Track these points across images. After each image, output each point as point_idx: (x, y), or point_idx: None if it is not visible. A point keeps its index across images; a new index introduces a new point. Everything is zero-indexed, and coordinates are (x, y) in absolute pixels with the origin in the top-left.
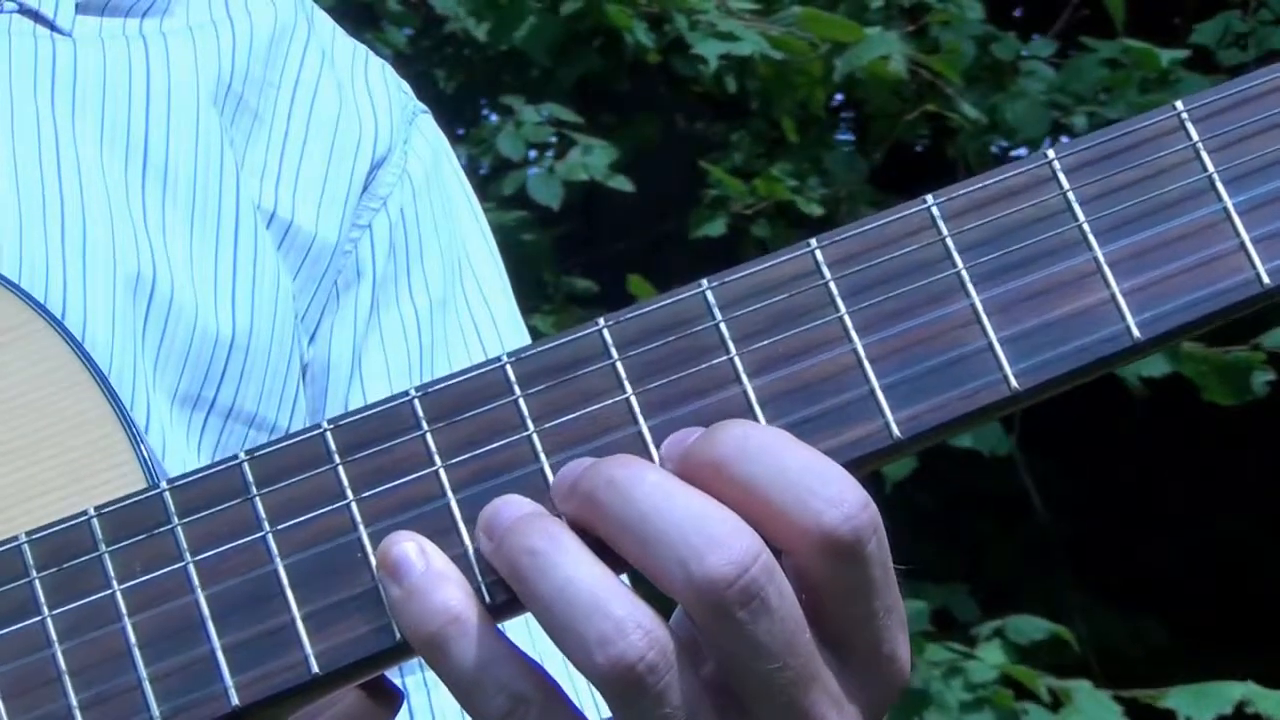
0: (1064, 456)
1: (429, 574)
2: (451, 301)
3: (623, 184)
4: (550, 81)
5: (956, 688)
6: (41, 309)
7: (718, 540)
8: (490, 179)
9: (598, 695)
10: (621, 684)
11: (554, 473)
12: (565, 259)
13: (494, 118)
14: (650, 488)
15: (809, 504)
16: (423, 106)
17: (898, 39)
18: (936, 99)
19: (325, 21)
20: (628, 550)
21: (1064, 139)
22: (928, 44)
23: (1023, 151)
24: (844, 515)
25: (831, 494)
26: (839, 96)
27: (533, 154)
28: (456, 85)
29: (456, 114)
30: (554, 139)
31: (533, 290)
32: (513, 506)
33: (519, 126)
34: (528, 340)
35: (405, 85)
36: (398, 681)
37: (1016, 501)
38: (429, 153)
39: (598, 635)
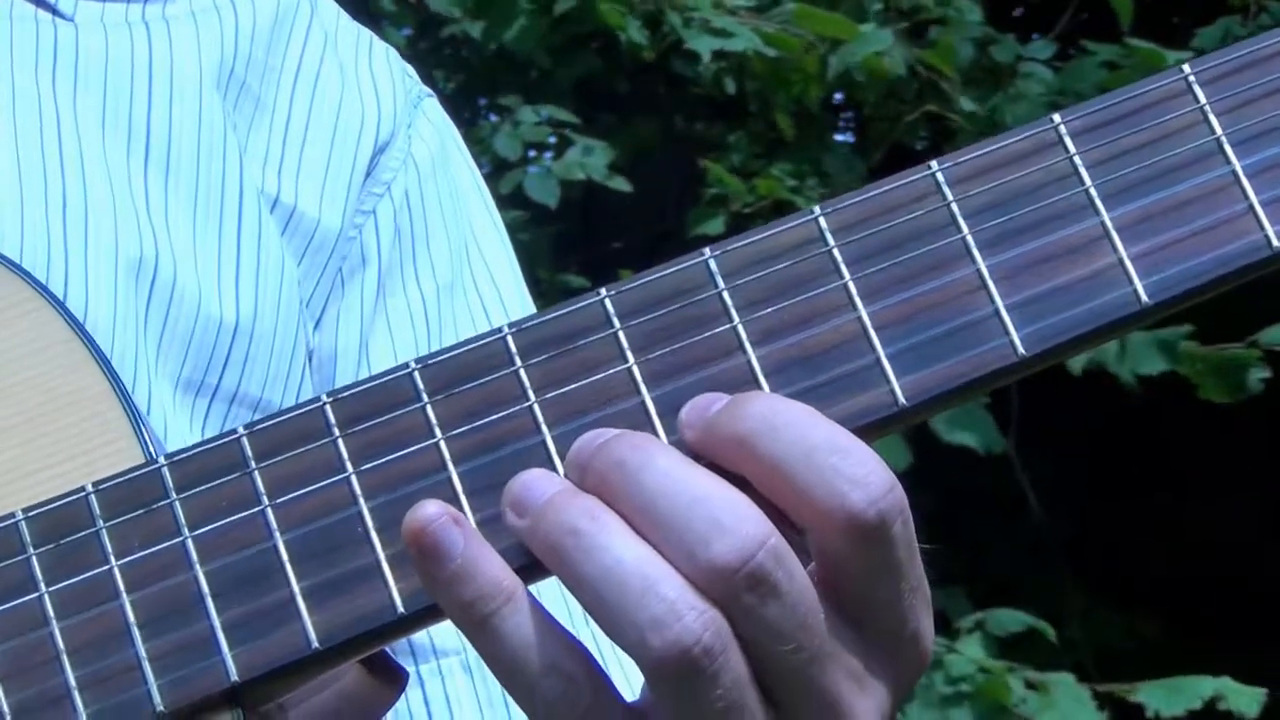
0: (1061, 454)
1: (472, 548)
2: (459, 285)
3: (621, 184)
4: (549, 82)
5: (939, 681)
6: (43, 289)
7: (724, 526)
8: (488, 179)
9: (625, 668)
10: (676, 668)
11: (555, 444)
12: (562, 258)
13: (494, 118)
14: (658, 472)
15: (834, 485)
16: (427, 90)
17: (893, 35)
18: (936, 99)
19: (329, 5)
20: (641, 534)
21: None
22: (924, 45)
23: None
24: (869, 498)
25: (857, 475)
26: (838, 96)
27: (531, 154)
28: (455, 86)
29: (455, 115)
30: (552, 140)
31: (528, 289)
32: (543, 482)
33: (516, 126)
34: None
35: (410, 69)
36: (410, 669)
37: (1014, 501)
38: (434, 136)
39: (651, 618)
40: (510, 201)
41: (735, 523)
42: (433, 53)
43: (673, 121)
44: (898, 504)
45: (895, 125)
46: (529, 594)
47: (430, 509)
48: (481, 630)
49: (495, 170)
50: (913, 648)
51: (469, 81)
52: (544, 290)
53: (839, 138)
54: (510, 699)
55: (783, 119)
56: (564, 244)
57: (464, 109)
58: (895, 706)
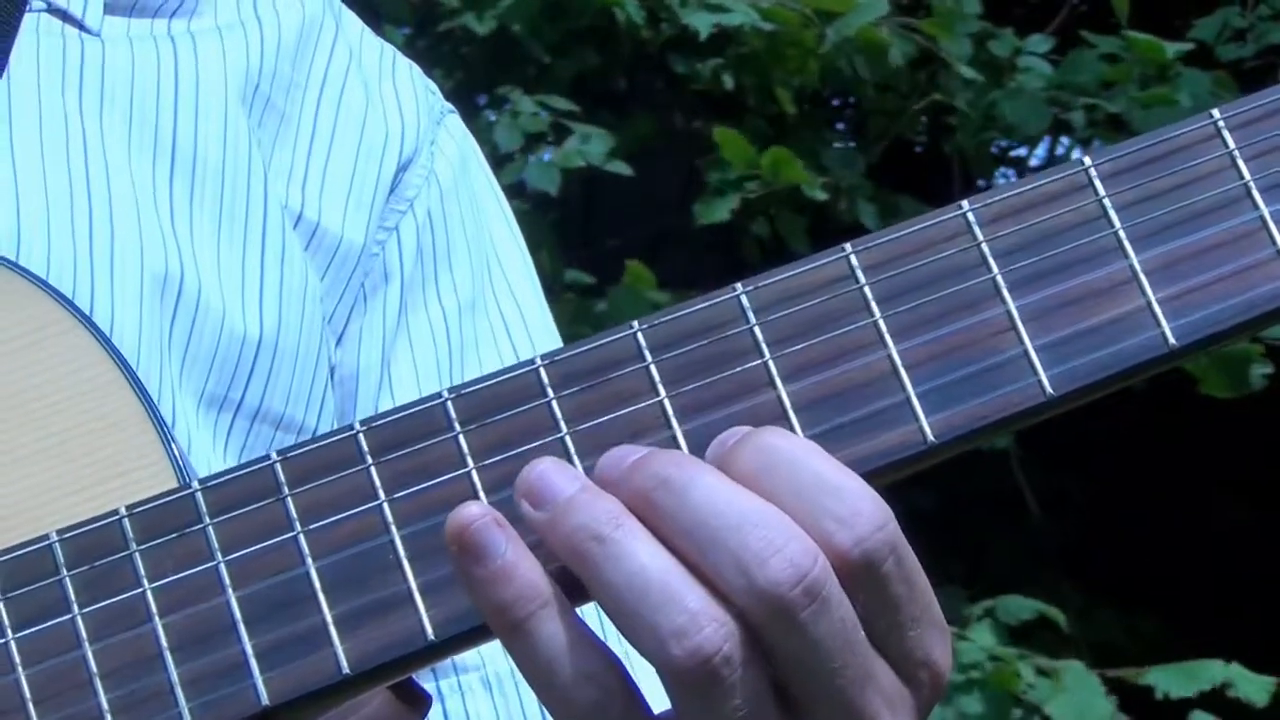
0: (1059, 455)
1: (513, 551)
2: (481, 303)
3: (621, 168)
4: (547, 78)
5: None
6: (72, 307)
7: (777, 544)
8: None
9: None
10: (696, 677)
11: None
12: (562, 255)
13: (492, 115)
14: (705, 491)
15: (821, 523)
16: (450, 106)
17: (891, 33)
18: (935, 87)
19: (353, 21)
20: (684, 553)
21: (1063, 138)
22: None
23: (1020, 148)
24: (855, 538)
25: (844, 514)
26: (836, 102)
27: (531, 148)
28: (455, 83)
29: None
30: (551, 135)
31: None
32: (561, 478)
33: (515, 117)
34: (558, 339)
35: (433, 85)
36: (430, 685)
37: (1012, 502)
38: (456, 153)
39: (673, 628)
40: (510, 193)
41: (787, 541)
42: (431, 50)
43: (671, 119)
44: (887, 543)
45: (895, 120)
46: (565, 602)
47: (473, 509)
48: (517, 634)
49: (495, 163)
50: (924, 675)
51: (468, 78)
52: (548, 283)
53: (838, 146)
54: (529, 716)
55: (782, 93)
56: (564, 242)
57: (463, 106)
58: None
